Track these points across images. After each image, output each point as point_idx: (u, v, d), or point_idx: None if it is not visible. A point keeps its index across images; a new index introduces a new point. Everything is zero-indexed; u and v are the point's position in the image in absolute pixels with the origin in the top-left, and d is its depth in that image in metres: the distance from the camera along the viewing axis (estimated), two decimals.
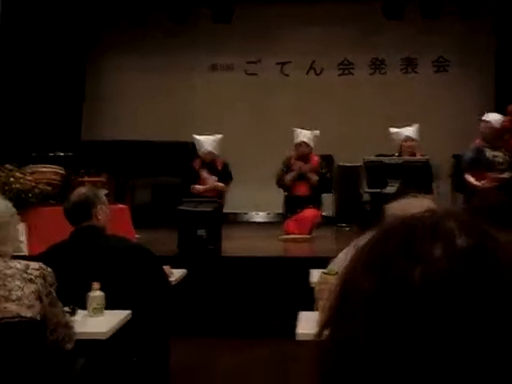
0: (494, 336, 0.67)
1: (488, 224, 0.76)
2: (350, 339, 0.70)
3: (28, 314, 2.84)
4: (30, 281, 2.87)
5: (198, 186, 8.13)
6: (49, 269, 2.95)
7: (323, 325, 0.76)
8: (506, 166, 6.58)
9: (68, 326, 3.06)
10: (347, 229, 8.77)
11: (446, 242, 0.71)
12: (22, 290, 2.84)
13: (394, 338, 0.68)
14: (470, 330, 0.67)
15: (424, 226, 0.74)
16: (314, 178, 8.03)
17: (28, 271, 2.89)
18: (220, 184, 8.21)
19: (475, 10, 9.49)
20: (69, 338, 3.05)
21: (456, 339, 0.66)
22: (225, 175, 8.35)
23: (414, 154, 7.49)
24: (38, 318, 2.87)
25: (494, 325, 0.67)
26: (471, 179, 7.10)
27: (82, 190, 3.94)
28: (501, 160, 6.54)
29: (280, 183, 8.22)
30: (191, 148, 8.53)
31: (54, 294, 2.95)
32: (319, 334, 0.76)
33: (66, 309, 3.20)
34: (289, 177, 8.10)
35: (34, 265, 2.93)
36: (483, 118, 7.18)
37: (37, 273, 2.89)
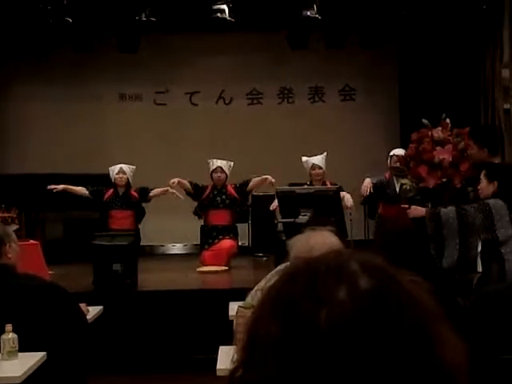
0: (397, 375, 0.70)
1: (391, 264, 0.78)
2: (260, 382, 0.71)
3: None
4: None
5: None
6: None
7: (236, 365, 0.76)
8: (414, 193, 6.77)
9: None
10: (264, 259, 8.79)
11: (349, 284, 0.73)
12: None
13: (304, 381, 0.70)
14: (375, 370, 0.69)
15: (328, 268, 0.75)
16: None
17: None
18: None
19: (378, 40, 9.80)
20: None
21: (361, 379, 0.69)
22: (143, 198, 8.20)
23: (324, 183, 7.61)
24: None
25: (396, 364, 0.70)
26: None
27: None
28: (408, 187, 6.74)
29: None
30: (104, 180, 8.30)
31: None
32: (233, 372, 0.77)
33: None
34: None
35: None
36: (390, 154, 7.44)
37: None
